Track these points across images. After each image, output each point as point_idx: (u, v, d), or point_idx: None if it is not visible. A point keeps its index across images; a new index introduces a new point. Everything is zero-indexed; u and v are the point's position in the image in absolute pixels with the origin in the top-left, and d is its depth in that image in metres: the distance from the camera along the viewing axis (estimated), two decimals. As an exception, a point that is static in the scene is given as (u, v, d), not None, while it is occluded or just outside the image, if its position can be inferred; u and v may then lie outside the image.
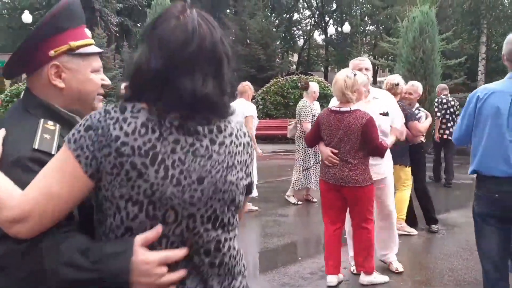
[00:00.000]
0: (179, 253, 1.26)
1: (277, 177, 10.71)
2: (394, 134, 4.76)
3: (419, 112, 6.24)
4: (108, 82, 1.70)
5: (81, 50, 1.59)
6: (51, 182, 1.23)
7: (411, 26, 14.57)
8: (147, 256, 1.22)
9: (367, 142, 4.19)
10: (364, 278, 4.48)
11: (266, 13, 34.86)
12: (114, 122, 1.23)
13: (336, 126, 4.24)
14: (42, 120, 1.48)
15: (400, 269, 4.80)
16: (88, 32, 1.69)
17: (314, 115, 8.22)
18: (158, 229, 1.23)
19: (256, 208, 7.71)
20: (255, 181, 7.56)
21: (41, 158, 1.35)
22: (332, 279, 4.48)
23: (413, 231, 6.08)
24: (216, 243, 1.33)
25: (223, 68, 1.35)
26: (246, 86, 7.68)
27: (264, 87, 20.18)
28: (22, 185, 1.26)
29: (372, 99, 4.64)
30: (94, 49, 1.65)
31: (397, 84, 5.91)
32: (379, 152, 4.31)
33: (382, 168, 4.61)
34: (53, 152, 1.39)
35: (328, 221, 4.50)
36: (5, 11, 36.93)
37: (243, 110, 7.35)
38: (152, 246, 1.24)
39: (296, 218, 7.46)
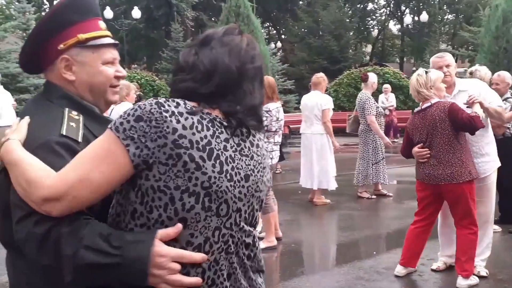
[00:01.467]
0: (196, 256, 1.27)
1: (350, 170, 10.53)
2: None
3: (506, 103, 5.92)
4: (123, 73, 1.69)
5: (92, 42, 1.60)
6: (90, 168, 1.25)
7: (494, 14, 13.92)
8: (164, 249, 1.24)
9: (457, 124, 4.07)
10: (462, 282, 4.27)
11: (340, 4, 34.41)
12: (170, 114, 1.26)
13: (422, 125, 4.21)
14: (66, 109, 1.51)
15: (483, 273, 4.50)
16: (102, 24, 1.70)
17: (378, 107, 8.09)
18: (178, 226, 1.25)
19: (329, 201, 7.70)
20: (334, 174, 7.55)
21: (68, 144, 1.39)
22: (400, 269, 4.52)
23: (497, 228, 5.83)
24: (253, 238, 1.41)
25: (262, 84, 1.48)
26: (321, 77, 7.58)
27: (337, 78, 19.93)
28: (48, 166, 1.31)
29: (458, 92, 4.46)
30: (107, 40, 1.64)
31: (471, 73, 5.66)
32: (471, 126, 4.07)
33: (484, 166, 4.39)
34: (79, 140, 1.43)
35: (417, 218, 4.46)
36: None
37: (320, 103, 7.30)
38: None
39: (369, 212, 7.34)
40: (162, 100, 1.30)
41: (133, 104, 7.29)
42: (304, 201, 7.67)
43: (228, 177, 1.30)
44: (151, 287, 1.26)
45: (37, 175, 1.28)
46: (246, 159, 1.37)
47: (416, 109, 4.35)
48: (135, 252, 1.23)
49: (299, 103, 9.08)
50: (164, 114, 1.25)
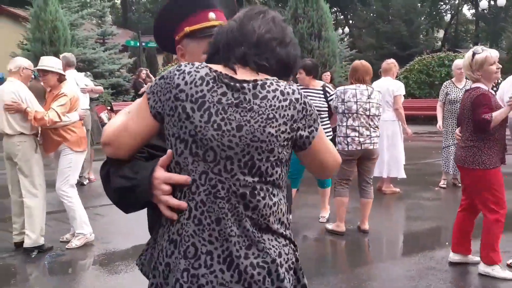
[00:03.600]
0: (182, 178, 1.47)
1: (420, 159, 10.39)
2: None
3: None
4: None
5: (198, 34, 1.86)
6: (128, 119, 1.55)
7: None
8: (158, 173, 1.49)
9: (473, 117, 4.18)
10: (481, 267, 4.38)
11: (411, -12, 33.42)
12: (179, 73, 1.48)
13: (461, 105, 4.42)
14: None
15: None
16: (211, 15, 1.87)
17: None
18: (168, 153, 1.49)
19: (398, 190, 7.60)
20: (403, 162, 7.43)
21: None
22: (452, 256, 4.68)
23: None
24: (252, 189, 1.46)
25: (270, 46, 1.53)
26: (392, 63, 7.44)
27: (408, 65, 19.40)
28: None
29: None
30: (210, 31, 1.78)
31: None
32: (479, 126, 4.16)
33: None
34: None
35: (461, 201, 4.64)
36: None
37: (392, 89, 7.17)
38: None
39: (440, 202, 7.21)
40: (184, 63, 1.53)
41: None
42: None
43: (215, 127, 1.44)
44: None
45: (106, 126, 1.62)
46: (242, 111, 1.45)
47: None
48: (143, 175, 1.51)
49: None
50: (175, 72, 1.49)
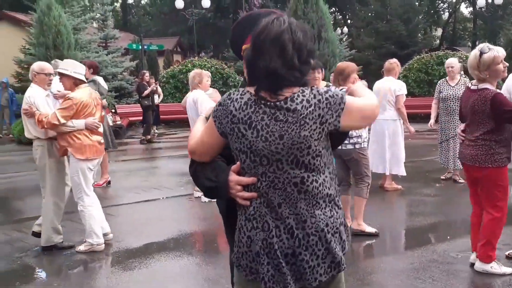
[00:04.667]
0: (249, 180, 1.97)
1: (420, 157, 10.51)
2: None
3: None
4: None
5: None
6: (203, 135, 2.08)
7: None
8: (232, 177, 2.00)
9: (499, 115, 4.08)
10: (477, 265, 4.38)
11: (409, -13, 33.48)
12: (230, 101, 1.97)
13: (466, 104, 4.30)
14: None
15: None
16: None
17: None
18: (238, 164, 1.99)
19: (400, 186, 7.73)
20: (403, 160, 7.56)
21: None
22: (473, 256, 4.53)
23: None
24: (301, 179, 1.93)
25: (286, 50, 1.90)
26: (394, 63, 7.53)
27: (407, 64, 19.50)
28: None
29: None
30: None
31: None
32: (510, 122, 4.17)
33: None
34: None
35: (470, 200, 4.60)
36: (158, -3, 39.62)
37: (394, 88, 7.28)
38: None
39: (441, 198, 7.30)
40: (232, 91, 2.02)
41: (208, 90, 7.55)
42: (374, 187, 7.69)
43: (263, 139, 1.90)
44: None
45: (189, 138, 2.17)
46: (280, 123, 1.90)
47: (471, 85, 4.33)
48: (223, 178, 2.02)
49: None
50: (227, 101, 1.98)
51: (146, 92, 14.14)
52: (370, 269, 4.66)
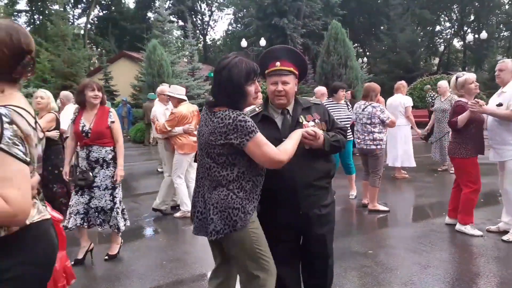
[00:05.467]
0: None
1: (422, 153, 10.20)
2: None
3: None
4: (279, 88, 2.29)
5: (268, 74, 2.31)
6: (267, 143, 1.96)
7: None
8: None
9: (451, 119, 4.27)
10: (457, 226, 4.44)
11: (413, 27, 32.31)
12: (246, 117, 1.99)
13: (451, 112, 4.37)
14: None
15: (506, 239, 4.13)
16: (277, 63, 2.29)
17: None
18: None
19: (408, 175, 7.53)
20: (413, 155, 7.41)
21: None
22: (447, 220, 4.72)
23: None
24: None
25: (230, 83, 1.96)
26: (400, 84, 7.44)
27: (412, 84, 18.93)
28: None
29: (500, 93, 4.09)
30: (275, 72, 2.29)
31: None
32: (451, 127, 4.32)
33: (503, 152, 4.02)
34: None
35: (454, 183, 4.68)
36: (228, 40, 40.18)
37: (404, 102, 7.19)
38: None
39: (438, 184, 7.06)
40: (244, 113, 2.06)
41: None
42: (388, 176, 7.53)
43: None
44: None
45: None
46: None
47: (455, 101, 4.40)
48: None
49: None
50: (246, 117, 1.98)
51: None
52: (385, 236, 4.60)
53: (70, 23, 30.54)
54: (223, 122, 1.90)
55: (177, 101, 5.31)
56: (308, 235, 2.39)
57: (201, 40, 41.88)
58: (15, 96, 1.41)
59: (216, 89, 1.98)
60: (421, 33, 35.54)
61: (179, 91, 5.33)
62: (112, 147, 3.84)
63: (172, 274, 3.65)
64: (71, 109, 5.46)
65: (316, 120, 2.34)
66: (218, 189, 1.96)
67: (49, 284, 1.58)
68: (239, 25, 38.13)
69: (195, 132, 5.48)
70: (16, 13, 32.30)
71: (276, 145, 2.01)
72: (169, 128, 5.20)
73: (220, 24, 76.08)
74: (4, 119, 1.27)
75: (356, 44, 38.93)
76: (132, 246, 4.45)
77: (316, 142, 2.18)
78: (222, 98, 1.95)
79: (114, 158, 3.85)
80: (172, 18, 30.90)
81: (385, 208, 5.45)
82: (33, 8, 34.87)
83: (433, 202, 5.94)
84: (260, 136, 1.94)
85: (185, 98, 5.36)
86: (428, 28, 37.27)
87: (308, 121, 2.30)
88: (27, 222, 1.38)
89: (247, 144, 1.90)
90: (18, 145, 1.29)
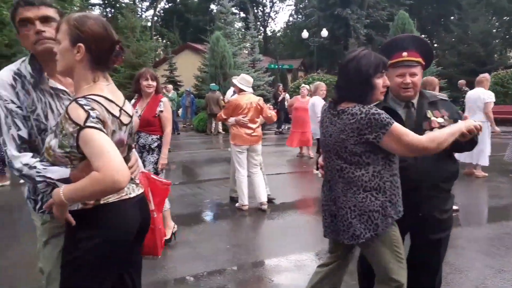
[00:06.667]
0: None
1: (498, 152, 9.54)
2: None
3: None
4: (407, 80, 2.17)
5: (393, 65, 2.14)
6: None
7: None
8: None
9: None
10: None
11: (487, 17, 30.04)
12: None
13: None
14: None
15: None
16: (404, 53, 2.13)
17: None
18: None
19: (487, 174, 7.13)
20: (488, 153, 6.99)
21: None
22: None
23: None
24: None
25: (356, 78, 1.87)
26: (483, 77, 6.93)
27: (485, 78, 17.70)
28: None
29: None
30: (402, 63, 2.14)
31: None
32: None
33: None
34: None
35: None
36: (288, 31, 39.91)
37: (483, 97, 6.70)
38: None
39: (514, 185, 6.62)
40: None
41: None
42: (460, 174, 7.09)
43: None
44: None
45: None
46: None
47: None
48: None
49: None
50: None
51: (279, 98, 14.50)
52: (458, 235, 4.38)
53: (139, 15, 32.01)
54: (354, 118, 1.79)
55: (239, 90, 5.26)
56: (421, 240, 2.24)
57: (261, 31, 42.06)
58: (100, 86, 1.51)
59: (342, 83, 1.87)
60: (497, 24, 32.93)
61: (242, 80, 5.22)
62: (158, 135, 3.93)
63: (236, 258, 3.77)
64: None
65: (445, 117, 2.16)
66: (355, 191, 1.86)
67: (157, 241, 1.78)
68: (300, 16, 37.77)
69: (250, 125, 5.18)
70: (91, 7, 34.41)
71: None
72: (224, 116, 5.17)
73: (281, 15, 75.76)
74: (86, 107, 1.41)
75: (423, 35, 37.04)
76: (197, 229, 4.62)
77: (468, 137, 1.94)
78: (349, 92, 1.85)
79: (159, 147, 3.92)
80: (234, 10, 31.32)
81: (455, 207, 5.21)
82: (106, 2, 37.00)
83: (507, 203, 5.59)
84: (396, 126, 1.79)
85: (246, 89, 5.18)
86: (505, 18, 34.47)
87: (436, 117, 2.14)
88: (101, 202, 1.49)
89: (383, 137, 1.77)
90: (101, 125, 1.43)
